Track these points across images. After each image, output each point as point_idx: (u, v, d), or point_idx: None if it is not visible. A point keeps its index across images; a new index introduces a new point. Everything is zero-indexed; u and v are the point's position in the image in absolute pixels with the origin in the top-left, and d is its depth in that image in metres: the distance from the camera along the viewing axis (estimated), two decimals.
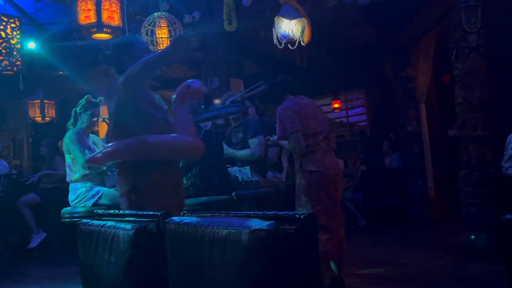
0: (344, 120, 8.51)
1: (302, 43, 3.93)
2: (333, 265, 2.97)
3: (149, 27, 4.18)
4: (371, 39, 6.12)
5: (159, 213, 1.54)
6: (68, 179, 3.69)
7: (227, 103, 3.23)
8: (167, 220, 1.44)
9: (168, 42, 4.05)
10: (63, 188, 4.34)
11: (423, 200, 5.71)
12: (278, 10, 4.02)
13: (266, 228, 1.07)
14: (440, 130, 5.90)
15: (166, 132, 2.22)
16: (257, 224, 1.09)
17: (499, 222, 2.92)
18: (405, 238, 5.09)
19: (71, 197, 3.65)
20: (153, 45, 4.14)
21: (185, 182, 3.00)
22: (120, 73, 2.23)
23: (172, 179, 2.29)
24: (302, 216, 1.12)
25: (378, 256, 4.37)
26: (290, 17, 3.76)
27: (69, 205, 3.65)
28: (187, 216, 1.43)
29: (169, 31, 4.19)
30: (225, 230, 1.16)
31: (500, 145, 3.55)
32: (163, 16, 4.23)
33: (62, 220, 3.63)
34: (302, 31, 3.82)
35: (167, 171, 2.25)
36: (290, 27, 3.77)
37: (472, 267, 3.69)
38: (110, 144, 2.23)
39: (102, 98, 3.80)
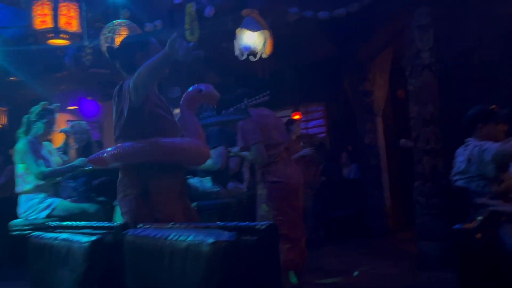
0: (304, 131, 8.64)
1: (264, 56, 3.98)
2: (293, 275, 2.99)
3: (108, 34, 4.10)
4: (331, 54, 6.28)
5: (116, 224, 1.50)
6: (19, 189, 3.52)
7: (231, 110, 3.20)
8: (125, 231, 1.40)
9: None
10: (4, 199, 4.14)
11: (380, 210, 5.87)
12: (241, 22, 4.06)
13: (227, 239, 1.07)
14: (396, 142, 6.10)
15: (177, 135, 2.20)
16: (218, 235, 1.09)
17: (449, 231, 3.05)
18: (363, 247, 5.20)
19: (21, 208, 3.48)
20: None
21: None
22: (128, 71, 2.17)
23: (181, 185, 2.25)
24: (263, 227, 1.13)
25: (337, 266, 4.44)
26: (253, 29, 3.81)
27: (16, 218, 3.48)
28: (146, 227, 1.40)
29: None
30: (185, 242, 1.15)
31: (451, 157, 3.71)
32: (124, 24, 4.17)
33: (12, 233, 3.45)
34: (264, 44, 3.87)
35: (176, 177, 2.21)
36: (252, 39, 3.82)
37: (424, 274, 3.82)
38: (120, 145, 2.13)
39: (58, 104, 3.68)
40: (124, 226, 1.47)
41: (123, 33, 4.13)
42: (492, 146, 2.60)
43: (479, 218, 0.95)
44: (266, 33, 3.88)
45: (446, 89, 4.25)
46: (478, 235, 0.89)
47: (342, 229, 5.86)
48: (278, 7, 4.41)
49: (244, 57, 3.99)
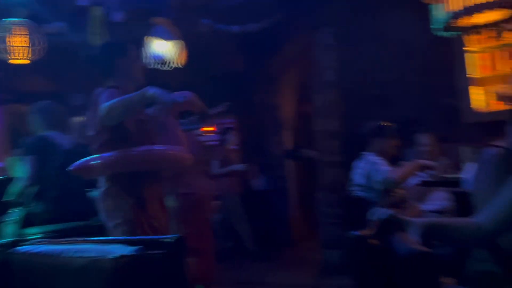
0: (216, 143, 8.65)
1: (176, 66, 3.93)
2: None
3: (1, 34, 3.75)
4: (243, 67, 6.41)
5: (3, 242, 1.36)
6: None
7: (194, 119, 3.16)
8: (14, 249, 1.27)
9: (28, 51, 3.68)
10: None
11: (286, 221, 6.06)
12: (150, 29, 3.97)
13: (130, 253, 1.02)
14: (299, 154, 6.37)
15: (156, 142, 2.19)
16: (120, 250, 1.04)
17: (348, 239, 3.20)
18: (269, 259, 5.30)
19: None
20: (4, 54, 3.73)
21: (39, 207, 2.72)
22: (107, 75, 2.19)
23: (161, 195, 2.23)
24: (170, 240, 1.10)
25: (244, 277, 4.47)
26: (164, 38, 3.74)
27: None
28: (40, 244, 1.29)
29: (31, 39, 3.82)
30: (85, 258, 1.07)
31: (351, 169, 3.97)
32: (20, 23, 3.84)
33: None
34: (176, 54, 3.82)
35: (161, 184, 2.21)
36: (163, 48, 3.75)
37: (327, 281, 4.01)
38: (107, 154, 2.05)
39: None
40: (13, 243, 1.33)
41: (20, 32, 3.80)
42: (384, 170, 2.84)
43: (374, 225, 1.02)
44: (179, 43, 3.84)
45: (348, 105, 4.56)
46: (374, 241, 0.96)
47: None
48: (191, 18, 4.40)
49: (153, 65, 3.90)
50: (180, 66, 3.94)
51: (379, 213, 1.16)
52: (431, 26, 3.03)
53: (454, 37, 3.50)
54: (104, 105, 1.98)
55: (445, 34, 3.10)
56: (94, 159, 2.08)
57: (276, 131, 6.32)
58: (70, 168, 2.20)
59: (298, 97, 6.89)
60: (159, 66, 3.95)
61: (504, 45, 4.13)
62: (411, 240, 1.02)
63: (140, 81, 2.31)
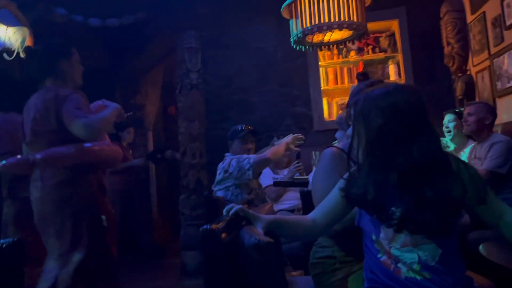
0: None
1: (21, 55, 3.52)
2: None
3: None
4: (103, 63, 6.05)
5: None
6: None
7: None
8: None
9: None
10: None
11: (148, 223, 5.88)
12: None
13: None
14: (160, 155, 6.25)
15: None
16: None
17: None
18: (130, 264, 5.09)
19: None
20: None
21: None
22: (46, 76, 2.33)
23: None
24: (4, 245, 0.98)
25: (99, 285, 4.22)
26: (7, 23, 3.32)
27: None
28: None
29: None
30: None
31: (213, 171, 4.05)
32: None
33: None
34: (22, 42, 3.43)
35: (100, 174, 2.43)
36: (7, 35, 3.33)
37: (187, 283, 4.02)
38: (67, 147, 2.22)
39: None
40: None
41: None
42: (251, 156, 2.98)
43: (224, 220, 1.06)
44: (25, 30, 3.44)
45: (211, 108, 4.64)
46: (223, 235, 0.99)
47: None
48: (43, 4, 4.00)
49: None
50: (24, 56, 3.53)
51: (230, 208, 1.21)
52: (291, 39, 3.27)
53: (309, 51, 3.83)
54: (98, 118, 2.27)
55: (301, 47, 3.38)
56: (61, 150, 2.21)
57: (139, 132, 6.11)
58: (38, 156, 2.23)
59: (163, 98, 6.78)
60: (3, 55, 3.50)
61: (347, 62, 4.69)
62: (257, 231, 1.09)
63: (79, 82, 2.53)
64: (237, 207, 1.20)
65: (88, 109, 2.36)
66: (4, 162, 2.30)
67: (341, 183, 1.39)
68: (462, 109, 3.34)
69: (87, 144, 2.25)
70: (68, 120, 2.16)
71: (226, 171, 3.02)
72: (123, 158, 4.80)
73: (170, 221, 5.64)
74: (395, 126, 1.25)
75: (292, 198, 3.73)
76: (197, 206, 4.31)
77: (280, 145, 3.03)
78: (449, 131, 3.30)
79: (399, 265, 1.27)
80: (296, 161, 3.47)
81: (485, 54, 3.66)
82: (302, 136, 3.25)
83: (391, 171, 1.25)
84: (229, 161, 3.05)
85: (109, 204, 2.42)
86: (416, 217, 1.23)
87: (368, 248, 1.35)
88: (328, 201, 1.43)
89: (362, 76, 1.56)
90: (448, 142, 3.37)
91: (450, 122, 3.30)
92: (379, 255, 1.30)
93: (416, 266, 1.24)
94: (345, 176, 1.38)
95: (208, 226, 0.97)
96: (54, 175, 2.22)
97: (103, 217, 2.31)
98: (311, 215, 1.43)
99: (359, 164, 1.34)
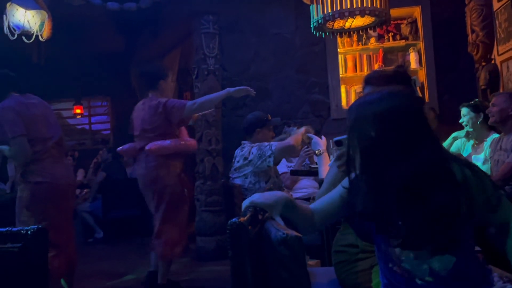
0: (87, 127, 8.08)
1: (40, 38, 3.51)
2: (63, 283, 2.72)
3: None
4: (119, 47, 6.05)
5: None
6: None
7: None
8: None
9: None
10: None
11: None
12: None
13: None
14: None
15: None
16: None
17: (225, 226, 3.26)
18: (144, 247, 5.14)
19: None
20: None
21: None
22: (152, 88, 3.36)
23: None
24: (29, 232, 0.97)
25: (115, 268, 4.27)
26: (27, 6, 3.31)
27: None
28: None
29: None
30: None
31: (229, 157, 4.04)
32: None
33: None
34: (41, 25, 3.42)
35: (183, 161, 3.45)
36: (25, 18, 3.32)
37: (202, 268, 4.04)
38: (169, 141, 3.20)
39: None
40: None
41: None
42: (273, 143, 2.94)
43: (249, 213, 1.04)
44: (44, 14, 3.42)
45: None
46: (250, 227, 0.97)
47: (123, 230, 5.69)
48: None
49: (15, 36, 3.44)
50: (48, 39, 3.53)
51: (247, 200, 1.19)
52: (310, 25, 3.20)
53: (328, 38, 3.76)
54: (196, 102, 3.19)
55: (321, 33, 3.31)
56: (165, 143, 3.15)
57: None
58: (147, 147, 3.12)
59: (179, 84, 6.76)
60: (23, 38, 3.49)
61: (366, 49, 4.59)
62: (280, 225, 1.06)
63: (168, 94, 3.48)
64: (250, 199, 1.18)
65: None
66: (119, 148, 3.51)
67: (345, 182, 1.31)
68: (476, 100, 3.25)
69: (176, 141, 3.19)
70: (180, 107, 3.11)
71: (245, 159, 2.99)
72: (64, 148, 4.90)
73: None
74: (390, 136, 1.15)
75: (306, 186, 3.70)
76: (212, 192, 4.31)
77: (298, 134, 2.99)
78: (466, 125, 3.23)
79: (412, 275, 1.20)
80: (306, 146, 3.41)
81: (511, 43, 3.54)
82: (311, 134, 3.19)
83: (389, 187, 1.15)
84: (249, 149, 3.01)
85: (188, 181, 3.36)
86: (420, 234, 1.15)
87: (379, 256, 1.29)
88: (330, 197, 1.36)
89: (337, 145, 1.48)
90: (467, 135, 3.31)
91: (465, 116, 3.22)
92: (390, 265, 1.24)
93: (428, 278, 1.18)
94: (344, 184, 1.30)
95: (237, 220, 0.94)
96: (155, 159, 3.14)
97: (185, 189, 3.31)
98: (312, 205, 1.37)
99: (357, 175, 1.24)
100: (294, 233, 0.91)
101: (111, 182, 5.99)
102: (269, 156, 2.85)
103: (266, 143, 2.94)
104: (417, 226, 1.14)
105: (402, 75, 1.67)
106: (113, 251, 5.12)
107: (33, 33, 3.46)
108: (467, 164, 1.23)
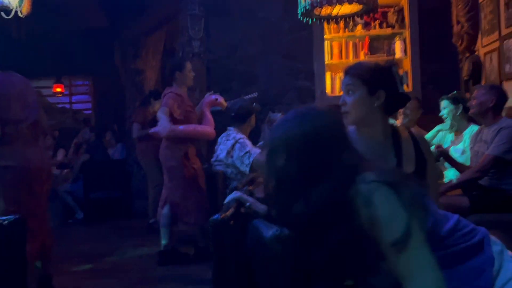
0: (67, 106, 7.92)
1: (20, 14, 3.39)
2: (38, 264, 2.70)
3: None
4: (103, 25, 5.91)
5: None
6: None
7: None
8: None
9: None
10: None
11: (144, 191, 5.89)
12: None
13: None
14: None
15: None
16: None
17: (209, 210, 3.20)
18: (125, 229, 5.13)
19: None
20: None
21: None
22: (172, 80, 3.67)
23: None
24: (6, 222, 0.95)
25: (95, 250, 4.25)
26: None
27: None
28: None
29: None
30: None
31: (212, 142, 4.02)
32: None
33: None
34: (21, 0, 3.30)
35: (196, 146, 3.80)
36: None
37: (182, 250, 4.03)
38: (182, 126, 3.48)
39: None
40: None
41: None
42: (253, 151, 2.91)
43: (231, 209, 1.03)
44: None
45: (213, 78, 4.56)
46: (231, 222, 0.96)
47: (105, 211, 5.65)
48: None
49: None
50: (23, 15, 3.40)
51: (230, 196, 1.17)
52: (298, 11, 3.17)
53: (315, 24, 3.73)
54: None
55: (308, 19, 3.29)
56: (178, 127, 3.46)
57: (138, 97, 6.03)
58: (165, 131, 3.47)
59: (163, 65, 6.66)
60: (1, 14, 3.36)
61: (353, 36, 4.58)
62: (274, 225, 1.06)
63: (189, 84, 3.73)
64: (234, 194, 1.17)
65: (174, 103, 3.48)
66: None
67: None
68: (455, 92, 3.29)
69: (193, 126, 3.54)
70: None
71: (228, 153, 2.98)
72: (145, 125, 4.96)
73: None
74: (294, 165, 1.02)
75: None
76: None
77: None
78: (446, 118, 3.27)
79: None
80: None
81: (495, 35, 3.58)
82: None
83: (290, 226, 1.03)
84: (232, 143, 2.99)
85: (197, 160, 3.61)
86: (327, 274, 1.03)
87: None
88: None
89: None
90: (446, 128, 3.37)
91: (445, 108, 3.27)
92: None
93: None
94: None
95: (218, 216, 0.93)
96: (165, 141, 3.58)
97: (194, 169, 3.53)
98: None
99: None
100: (286, 230, 0.91)
101: (93, 163, 5.92)
102: (246, 166, 2.87)
103: (247, 149, 2.94)
104: (321, 268, 1.01)
105: (378, 67, 1.65)
106: (94, 232, 5.09)
107: (12, 9, 3.34)
108: (390, 185, 1.02)
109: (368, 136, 1.64)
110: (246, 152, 2.91)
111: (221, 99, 3.66)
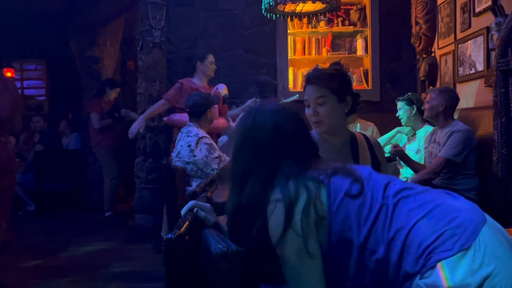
0: (19, 92, 7.52)
1: None
2: None
3: None
4: (58, 8, 5.62)
5: None
6: None
7: None
8: None
9: None
10: None
11: (100, 183, 5.71)
12: None
13: None
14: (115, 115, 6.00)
15: None
16: None
17: (163, 204, 3.18)
18: (80, 222, 4.98)
19: None
20: None
21: None
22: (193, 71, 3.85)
23: None
24: None
25: (47, 244, 4.09)
26: None
27: None
28: None
29: None
30: None
31: (171, 135, 3.93)
32: None
33: None
34: None
35: None
36: None
37: (139, 246, 3.97)
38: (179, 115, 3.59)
39: None
40: None
41: None
42: (224, 159, 2.87)
43: (186, 222, 1.00)
44: None
45: (173, 69, 4.45)
46: (186, 237, 0.93)
47: (58, 204, 5.44)
48: None
49: None
50: None
51: (186, 207, 1.15)
52: (261, 6, 3.14)
53: (279, 20, 3.71)
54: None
55: (272, 15, 3.26)
56: (176, 117, 3.59)
57: (95, 86, 5.80)
58: (164, 119, 3.72)
59: (122, 53, 6.45)
60: None
61: (315, 32, 4.60)
62: (223, 237, 1.03)
63: (210, 75, 3.86)
64: (189, 205, 1.15)
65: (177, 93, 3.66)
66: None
67: None
68: (409, 94, 3.39)
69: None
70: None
71: (191, 150, 2.92)
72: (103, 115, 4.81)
73: (124, 182, 5.50)
74: (239, 162, 1.12)
75: None
76: (153, 170, 4.20)
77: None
78: (401, 118, 3.38)
79: None
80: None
81: (451, 38, 3.69)
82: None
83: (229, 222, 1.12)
84: (196, 141, 2.92)
85: None
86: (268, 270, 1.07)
87: None
88: None
89: None
90: (403, 130, 3.47)
91: (400, 109, 3.38)
92: None
93: None
94: None
95: (172, 236, 0.90)
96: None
97: None
98: None
99: None
100: (235, 246, 0.89)
101: (46, 153, 5.68)
102: (213, 170, 2.84)
103: (216, 153, 2.89)
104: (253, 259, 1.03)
105: (340, 73, 1.69)
106: (45, 225, 4.89)
107: None
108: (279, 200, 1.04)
109: (329, 142, 1.69)
110: (216, 157, 2.87)
111: (221, 88, 3.69)
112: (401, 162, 3.07)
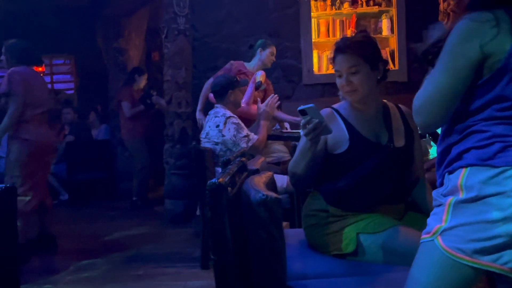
0: (49, 86, 7.73)
1: None
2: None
3: None
4: (84, 2, 5.74)
5: None
6: None
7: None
8: None
9: None
10: None
11: (129, 171, 5.83)
12: None
13: None
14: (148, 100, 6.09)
15: None
16: None
17: (194, 189, 3.25)
18: (111, 210, 5.10)
19: None
20: None
21: None
22: None
23: None
24: None
25: (82, 231, 4.23)
26: None
27: None
28: None
29: None
30: None
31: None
32: None
33: None
34: None
35: None
36: None
37: (170, 230, 4.05)
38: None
39: None
40: None
41: None
42: (252, 137, 2.90)
43: (228, 173, 1.02)
44: None
45: (198, 56, 4.50)
46: (229, 188, 0.96)
47: (89, 193, 5.59)
48: None
49: None
50: None
51: (232, 160, 1.18)
52: None
53: (303, 1, 3.69)
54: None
55: None
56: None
57: (121, 77, 5.91)
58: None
59: (147, 44, 6.53)
60: None
61: (340, 14, 4.55)
62: (263, 186, 1.06)
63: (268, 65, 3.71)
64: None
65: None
66: None
67: None
68: None
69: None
70: None
71: (220, 130, 2.95)
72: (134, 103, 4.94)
73: (153, 170, 5.60)
74: None
75: (276, 150, 3.72)
76: (181, 156, 4.26)
77: (263, 128, 3.00)
78: None
79: None
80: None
81: None
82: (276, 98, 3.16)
83: None
84: (223, 121, 2.95)
85: None
86: None
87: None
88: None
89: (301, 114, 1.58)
90: None
91: None
92: None
93: None
94: None
95: (216, 180, 0.92)
96: None
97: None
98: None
99: None
100: (274, 195, 0.91)
101: (77, 144, 5.83)
102: (237, 147, 2.87)
103: (244, 132, 2.91)
104: None
105: (370, 40, 1.68)
106: (80, 213, 5.04)
107: None
108: None
109: (362, 111, 1.68)
110: (245, 136, 2.90)
111: (258, 75, 3.50)
112: (431, 142, 3.01)
